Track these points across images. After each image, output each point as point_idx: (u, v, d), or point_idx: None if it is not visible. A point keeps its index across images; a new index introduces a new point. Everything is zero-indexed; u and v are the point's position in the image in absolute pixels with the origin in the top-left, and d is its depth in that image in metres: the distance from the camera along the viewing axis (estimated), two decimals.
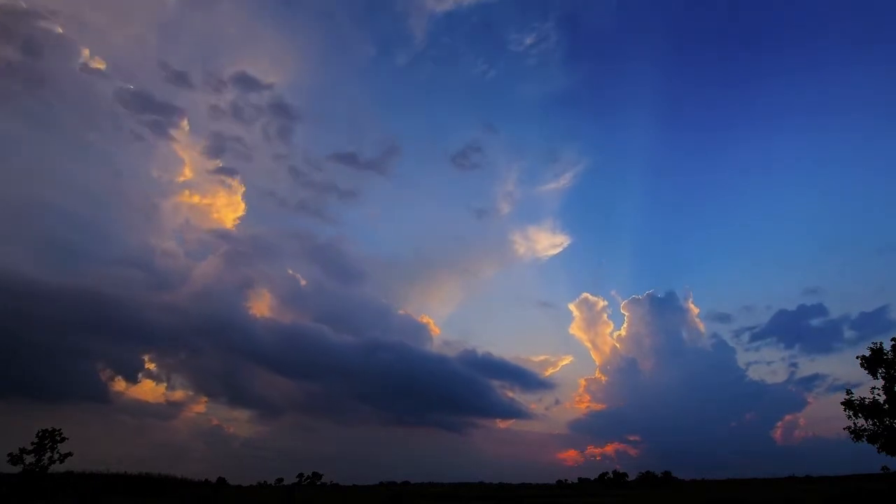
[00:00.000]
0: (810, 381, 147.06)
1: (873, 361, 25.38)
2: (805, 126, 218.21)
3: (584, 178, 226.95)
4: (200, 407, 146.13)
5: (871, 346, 25.60)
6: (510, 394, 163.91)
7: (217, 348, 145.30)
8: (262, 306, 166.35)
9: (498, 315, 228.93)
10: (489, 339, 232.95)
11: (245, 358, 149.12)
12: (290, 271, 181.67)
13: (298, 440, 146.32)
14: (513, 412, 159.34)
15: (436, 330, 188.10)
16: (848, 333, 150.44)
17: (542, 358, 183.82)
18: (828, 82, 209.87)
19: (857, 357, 26.00)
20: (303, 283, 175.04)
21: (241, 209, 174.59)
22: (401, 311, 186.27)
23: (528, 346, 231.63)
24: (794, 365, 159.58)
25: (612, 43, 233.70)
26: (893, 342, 25.09)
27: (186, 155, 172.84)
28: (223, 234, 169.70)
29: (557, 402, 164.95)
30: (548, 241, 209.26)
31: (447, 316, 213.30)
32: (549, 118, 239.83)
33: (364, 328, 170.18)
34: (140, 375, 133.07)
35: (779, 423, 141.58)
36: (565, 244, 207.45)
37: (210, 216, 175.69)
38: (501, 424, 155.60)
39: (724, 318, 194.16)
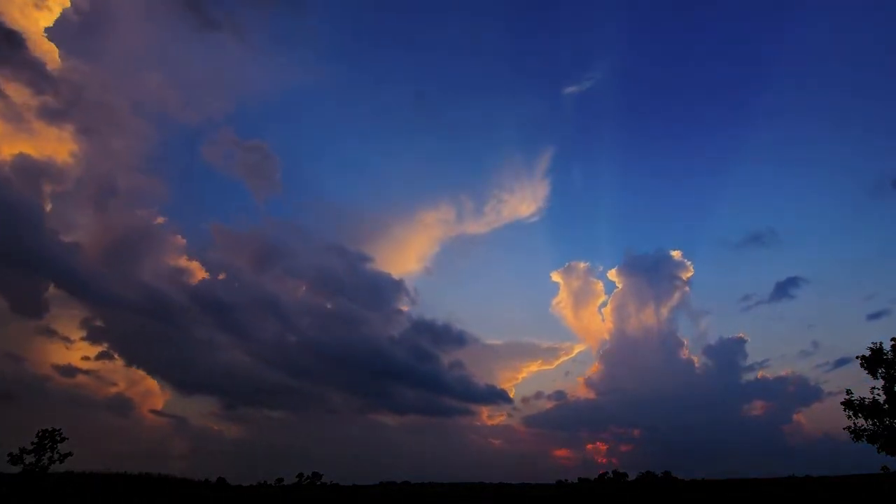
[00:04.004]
0: (827, 366, 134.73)
1: (873, 361, 25.43)
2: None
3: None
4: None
5: (871, 345, 25.67)
6: (500, 383, 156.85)
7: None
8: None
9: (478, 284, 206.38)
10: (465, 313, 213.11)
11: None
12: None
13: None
14: (504, 404, 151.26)
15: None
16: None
17: (530, 340, 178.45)
18: None
19: (857, 357, 26.10)
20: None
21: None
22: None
23: (514, 326, 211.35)
24: (813, 346, 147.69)
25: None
26: (893, 342, 25.13)
27: None
28: None
29: (545, 394, 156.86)
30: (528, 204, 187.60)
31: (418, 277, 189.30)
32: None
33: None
34: None
35: (791, 417, 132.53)
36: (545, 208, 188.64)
37: None
38: (494, 420, 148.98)
39: (727, 295, 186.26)
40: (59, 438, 37.68)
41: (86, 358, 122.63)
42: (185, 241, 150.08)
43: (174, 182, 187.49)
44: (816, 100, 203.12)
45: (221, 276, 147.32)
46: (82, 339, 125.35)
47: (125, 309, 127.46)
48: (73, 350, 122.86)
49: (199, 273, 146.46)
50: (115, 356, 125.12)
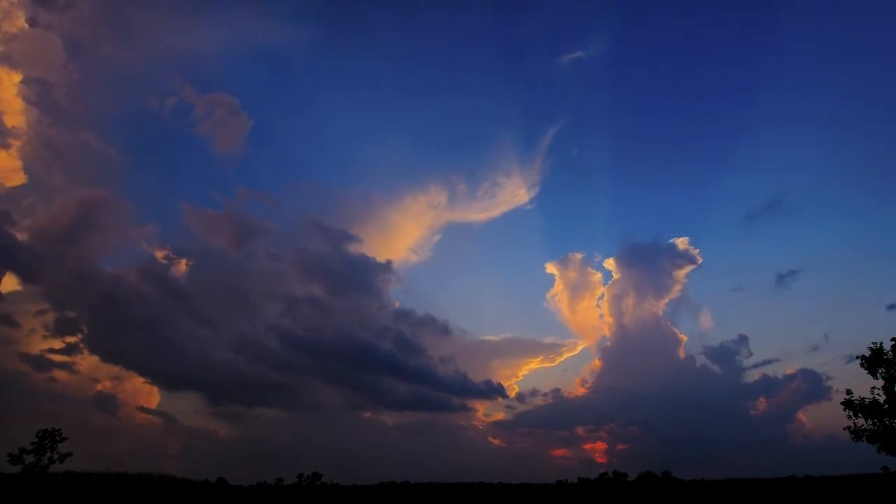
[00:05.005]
0: (838, 362, 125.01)
1: (873, 361, 25.42)
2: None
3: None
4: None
5: (872, 345, 25.66)
6: (501, 381, 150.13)
7: None
8: None
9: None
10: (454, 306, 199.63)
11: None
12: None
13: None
14: (503, 403, 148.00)
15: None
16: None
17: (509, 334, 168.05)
18: None
19: (857, 357, 26.11)
20: None
21: None
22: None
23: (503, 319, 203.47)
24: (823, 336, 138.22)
25: None
26: (893, 342, 25.12)
27: None
28: None
29: (544, 392, 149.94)
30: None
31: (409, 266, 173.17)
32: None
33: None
34: None
35: (795, 415, 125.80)
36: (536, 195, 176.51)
37: None
38: (492, 418, 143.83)
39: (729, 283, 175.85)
40: (58, 438, 37.69)
41: (53, 350, 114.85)
42: (144, 215, 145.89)
43: (131, 146, 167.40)
44: (832, 67, 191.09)
45: (191, 262, 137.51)
46: (45, 329, 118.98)
47: (89, 298, 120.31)
48: (36, 341, 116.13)
49: (164, 257, 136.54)
50: (84, 349, 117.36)
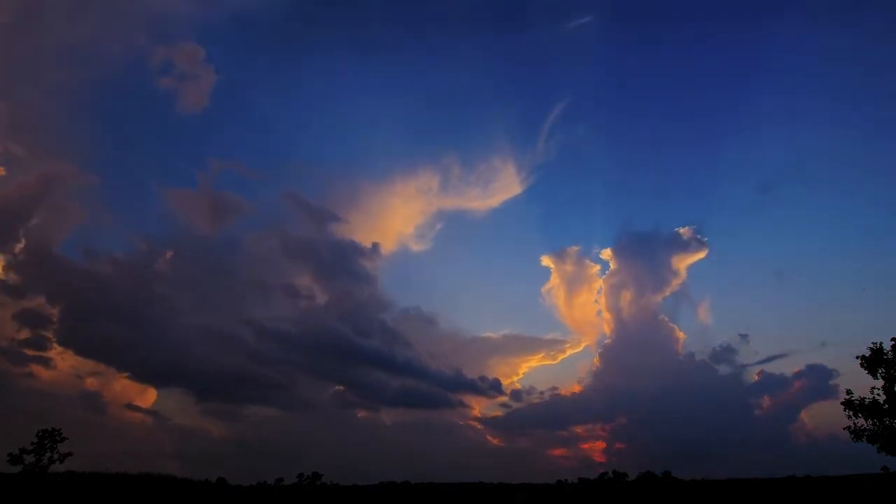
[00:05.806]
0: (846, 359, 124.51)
1: (873, 361, 25.41)
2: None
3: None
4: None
5: (872, 345, 25.65)
6: (501, 379, 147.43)
7: None
8: None
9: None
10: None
11: None
12: None
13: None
14: (501, 401, 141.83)
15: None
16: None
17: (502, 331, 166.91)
18: None
19: (857, 357, 26.08)
20: None
21: None
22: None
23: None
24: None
25: None
26: (893, 342, 25.12)
27: None
28: None
29: (542, 390, 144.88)
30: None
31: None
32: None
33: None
34: None
35: (800, 413, 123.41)
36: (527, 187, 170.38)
37: None
38: (490, 416, 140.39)
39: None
40: (59, 438, 37.71)
41: (22, 342, 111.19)
42: (111, 192, 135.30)
43: (85, 108, 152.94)
44: (843, 42, 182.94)
45: (166, 248, 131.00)
46: (12, 320, 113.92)
47: (57, 287, 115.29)
48: (6, 333, 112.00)
49: (138, 242, 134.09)
50: (55, 343, 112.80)
